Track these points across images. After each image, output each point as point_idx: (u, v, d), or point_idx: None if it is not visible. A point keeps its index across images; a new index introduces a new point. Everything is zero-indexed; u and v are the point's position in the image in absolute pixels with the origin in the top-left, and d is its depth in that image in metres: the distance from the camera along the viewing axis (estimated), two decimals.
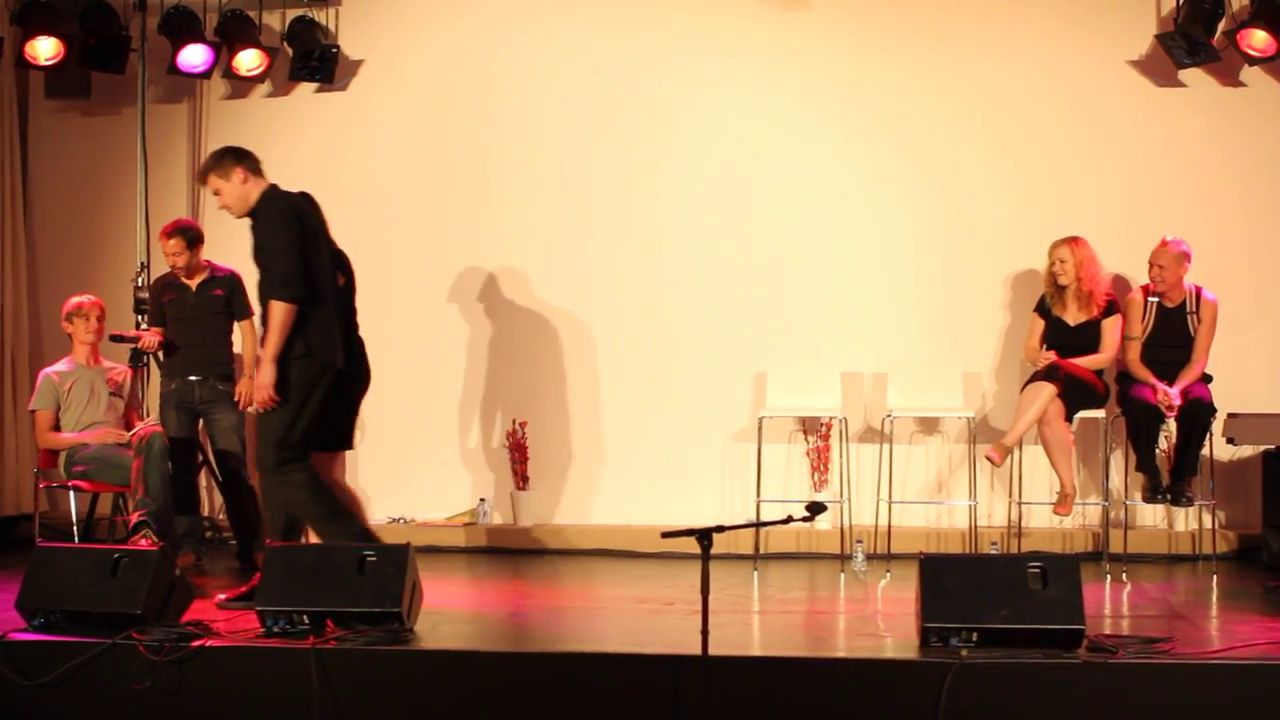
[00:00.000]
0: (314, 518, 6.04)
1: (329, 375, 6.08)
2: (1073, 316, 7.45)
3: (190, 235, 7.47)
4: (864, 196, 8.36)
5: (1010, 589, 5.00)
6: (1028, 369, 7.58)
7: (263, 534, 7.32)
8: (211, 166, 6.15)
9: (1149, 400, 7.17)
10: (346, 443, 6.62)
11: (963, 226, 8.26)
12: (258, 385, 5.93)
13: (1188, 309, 7.40)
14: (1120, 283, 7.80)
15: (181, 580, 5.56)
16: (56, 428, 7.35)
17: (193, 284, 7.51)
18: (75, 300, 7.54)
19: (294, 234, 5.99)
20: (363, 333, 8.52)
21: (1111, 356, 7.43)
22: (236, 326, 7.65)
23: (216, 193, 6.16)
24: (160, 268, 7.88)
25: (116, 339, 7.47)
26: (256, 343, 7.61)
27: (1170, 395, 7.13)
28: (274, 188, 6.17)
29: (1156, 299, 7.41)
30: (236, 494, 7.51)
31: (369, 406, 8.59)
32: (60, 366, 7.47)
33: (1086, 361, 7.33)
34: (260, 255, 6.05)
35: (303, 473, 5.98)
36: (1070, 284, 7.42)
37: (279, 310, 5.92)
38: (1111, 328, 7.41)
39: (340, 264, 6.50)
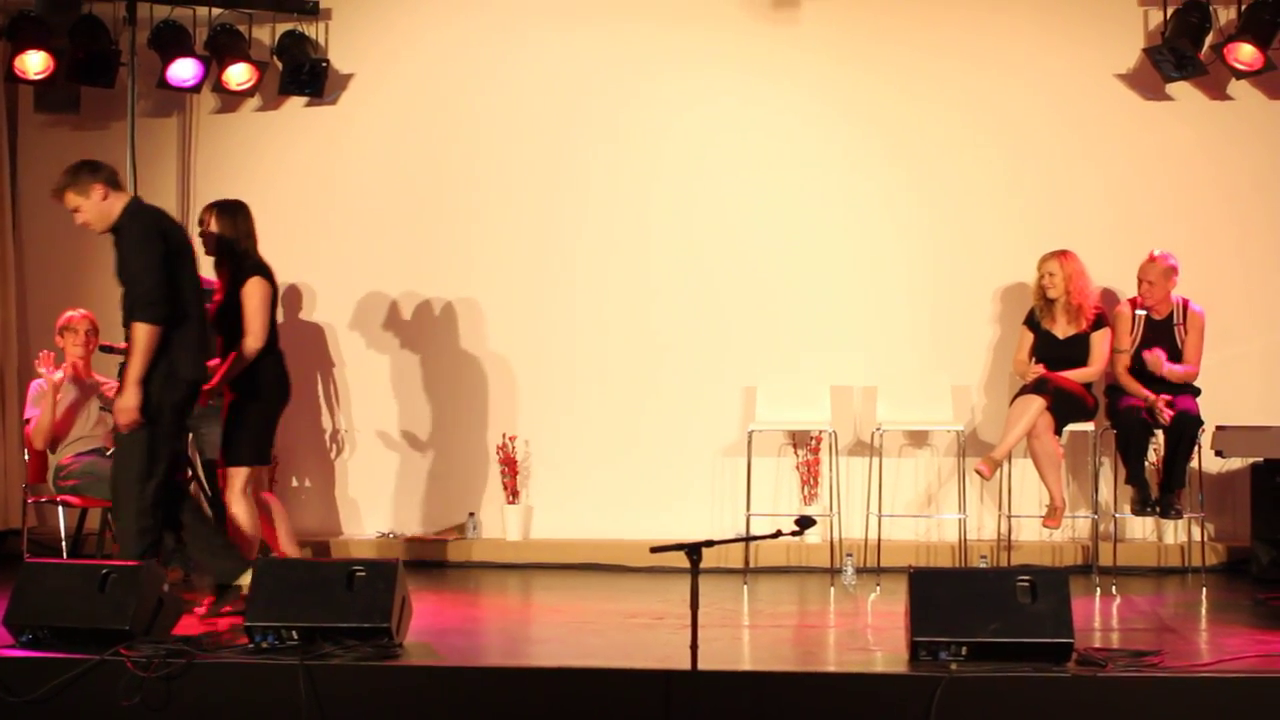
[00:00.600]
0: (128, 529, 5.94)
1: (192, 395, 6.06)
2: (1061, 330, 7.46)
3: None
4: (852, 210, 8.38)
5: (1000, 602, 5.00)
6: (1017, 382, 7.59)
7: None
8: (68, 183, 5.90)
9: (1138, 412, 7.17)
10: (263, 459, 6.58)
11: (952, 239, 8.28)
12: (119, 409, 5.81)
13: (1175, 321, 7.42)
14: (1109, 296, 7.82)
15: (170, 596, 5.54)
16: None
17: None
18: (67, 314, 7.52)
19: (158, 252, 5.84)
20: (352, 344, 8.62)
21: (1100, 370, 7.44)
22: None
23: (75, 210, 5.93)
24: None
25: (105, 349, 7.45)
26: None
27: (1161, 404, 7.13)
28: (136, 200, 6.05)
29: (1144, 312, 7.43)
30: (225, 508, 7.47)
31: (358, 420, 8.65)
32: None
33: (1075, 375, 7.34)
34: (123, 273, 5.90)
35: (157, 491, 5.96)
36: (1059, 297, 7.43)
37: (142, 331, 5.78)
38: (1100, 341, 7.42)
39: (268, 276, 6.45)
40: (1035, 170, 8.24)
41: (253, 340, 6.33)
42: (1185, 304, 7.44)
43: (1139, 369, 7.38)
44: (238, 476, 6.37)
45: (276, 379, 6.50)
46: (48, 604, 5.35)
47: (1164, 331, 7.41)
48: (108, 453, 7.31)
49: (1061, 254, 7.45)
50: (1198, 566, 7.47)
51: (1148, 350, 7.28)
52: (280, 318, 6.68)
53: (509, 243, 8.61)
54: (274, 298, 6.47)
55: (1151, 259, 7.38)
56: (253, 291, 6.35)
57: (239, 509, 6.40)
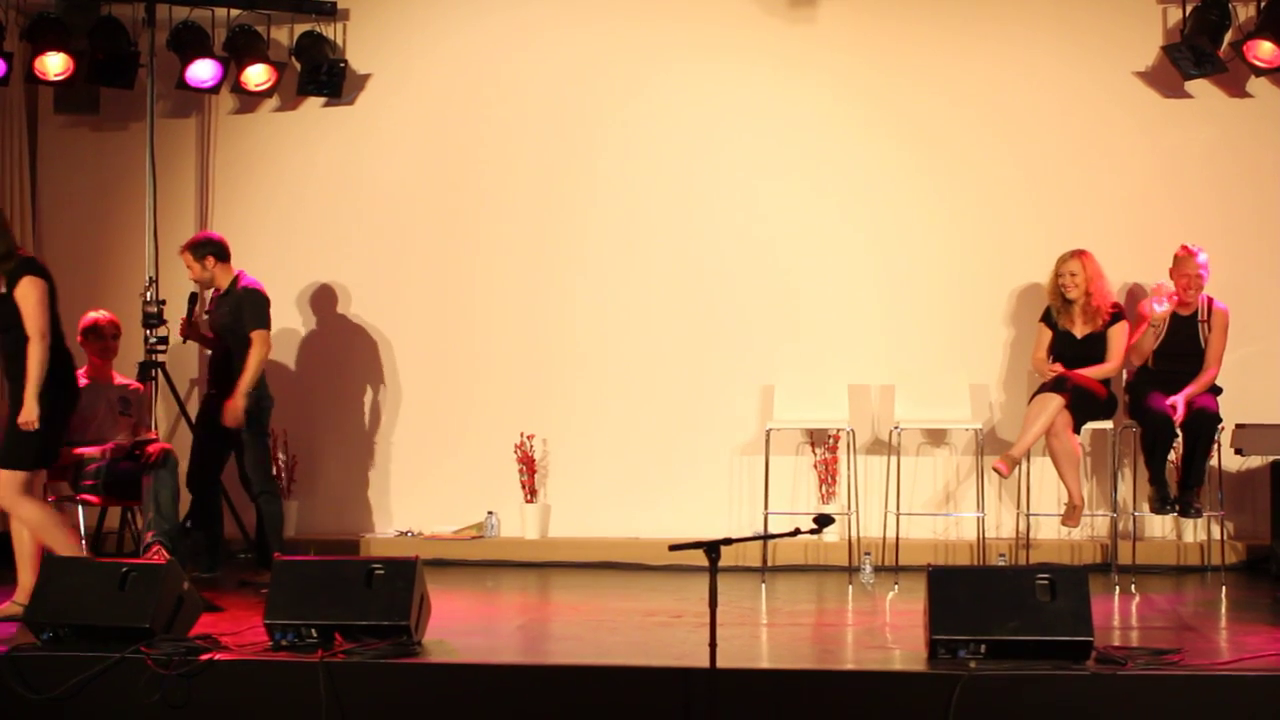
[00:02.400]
0: None
1: None
2: (1080, 329, 7.43)
3: (198, 249, 7.40)
4: (871, 208, 8.37)
5: (1019, 601, 4.99)
6: (1035, 380, 7.57)
7: (270, 550, 7.29)
8: None
9: (1164, 411, 7.12)
10: (42, 462, 6.25)
11: (970, 237, 8.27)
12: None
13: (1199, 318, 7.39)
14: (1136, 291, 7.79)
15: (190, 594, 5.56)
16: (68, 443, 7.31)
17: (210, 298, 7.50)
18: (91, 317, 7.49)
19: None
20: (369, 343, 8.65)
21: (1119, 365, 7.41)
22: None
23: None
24: (170, 281, 7.96)
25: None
26: (256, 358, 7.32)
27: (1171, 406, 7.12)
28: None
29: (1167, 306, 7.37)
30: (255, 508, 7.45)
31: (379, 418, 8.67)
32: None
33: (1094, 371, 7.31)
34: None
35: None
36: (1078, 297, 7.40)
37: None
38: (1118, 335, 7.38)
39: (41, 272, 6.13)
40: (1054, 168, 8.22)
41: (39, 341, 6.00)
42: (1210, 301, 7.41)
43: (1161, 367, 7.35)
44: (13, 480, 6.03)
45: (58, 380, 6.14)
46: (69, 602, 5.37)
47: (1189, 328, 7.37)
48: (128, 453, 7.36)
49: (1081, 254, 7.42)
50: (1217, 565, 7.45)
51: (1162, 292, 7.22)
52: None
53: (528, 240, 8.63)
54: (53, 294, 6.14)
55: (1190, 253, 7.27)
56: (28, 291, 6.04)
57: (26, 510, 6.07)
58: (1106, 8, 8.17)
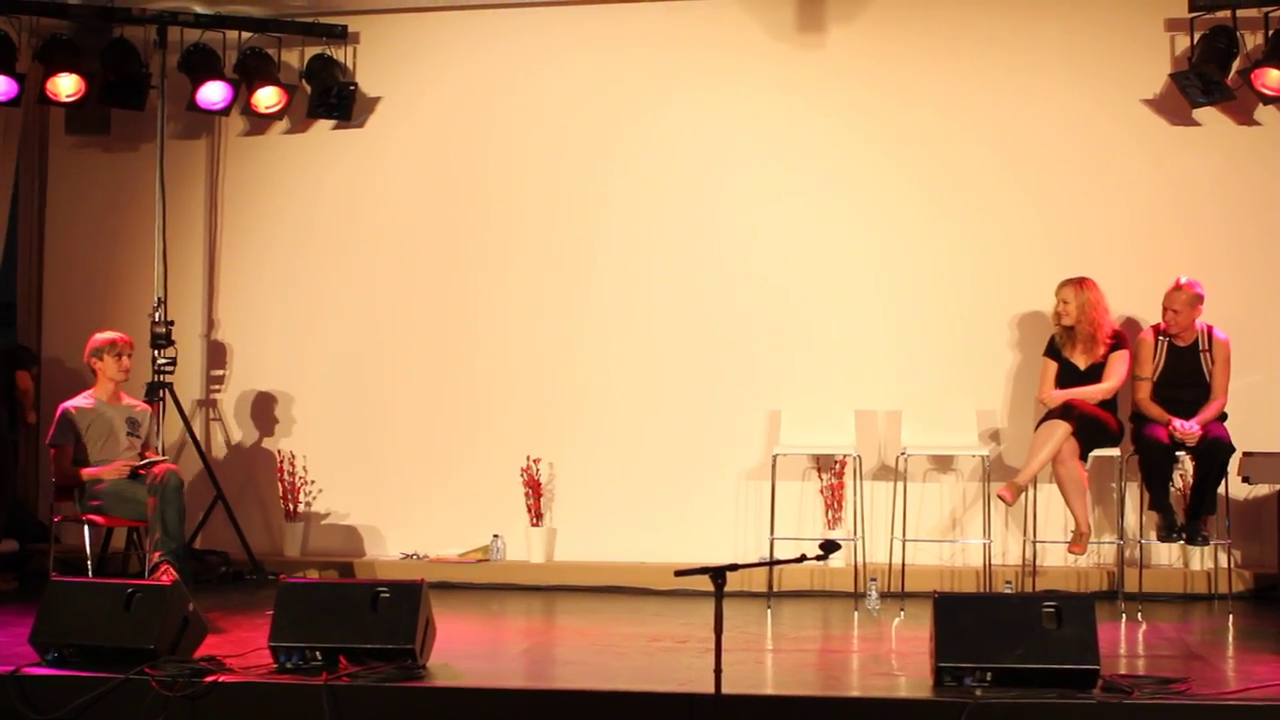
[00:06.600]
0: None
1: None
2: (1081, 360, 7.43)
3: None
4: (877, 234, 8.38)
5: (1025, 628, 4.97)
6: (1041, 407, 7.56)
7: None
8: None
9: (1162, 439, 7.13)
10: None
11: (977, 264, 8.27)
12: None
13: (1200, 348, 7.38)
14: (1134, 322, 7.79)
15: (195, 616, 5.56)
16: (75, 463, 7.33)
17: None
18: (109, 336, 7.48)
19: None
20: (377, 365, 8.65)
21: (1115, 386, 7.38)
22: None
23: None
24: (179, 302, 7.95)
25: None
26: None
27: (1186, 428, 7.09)
28: None
29: (1167, 339, 7.38)
30: None
31: (384, 441, 8.67)
32: (80, 402, 7.44)
33: (1090, 392, 7.29)
34: None
35: None
36: (1074, 326, 7.41)
37: None
38: (1117, 360, 7.38)
39: None
40: (1061, 195, 8.22)
41: None
42: (1210, 331, 7.40)
43: (1162, 396, 7.34)
44: None
45: None
46: (74, 622, 5.36)
47: (1188, 359, 7.37)
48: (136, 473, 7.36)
49: (1077, 282, 7.42)
50: (1224, 593, 7.41)
51: (1178, 422, 7.17)
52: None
53: (535, 263, 8.64)
54: None
55: (1178, 286, 7.34)
56: None
57: None
58: (1115, 35, 8.19)
